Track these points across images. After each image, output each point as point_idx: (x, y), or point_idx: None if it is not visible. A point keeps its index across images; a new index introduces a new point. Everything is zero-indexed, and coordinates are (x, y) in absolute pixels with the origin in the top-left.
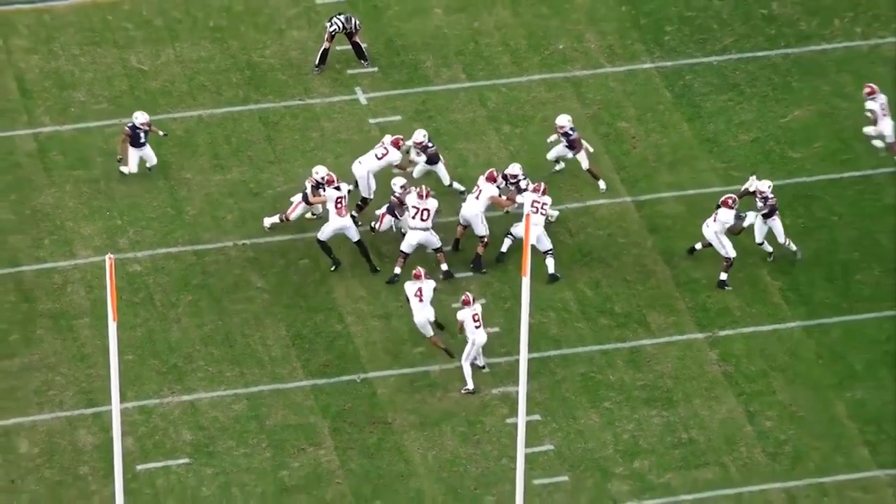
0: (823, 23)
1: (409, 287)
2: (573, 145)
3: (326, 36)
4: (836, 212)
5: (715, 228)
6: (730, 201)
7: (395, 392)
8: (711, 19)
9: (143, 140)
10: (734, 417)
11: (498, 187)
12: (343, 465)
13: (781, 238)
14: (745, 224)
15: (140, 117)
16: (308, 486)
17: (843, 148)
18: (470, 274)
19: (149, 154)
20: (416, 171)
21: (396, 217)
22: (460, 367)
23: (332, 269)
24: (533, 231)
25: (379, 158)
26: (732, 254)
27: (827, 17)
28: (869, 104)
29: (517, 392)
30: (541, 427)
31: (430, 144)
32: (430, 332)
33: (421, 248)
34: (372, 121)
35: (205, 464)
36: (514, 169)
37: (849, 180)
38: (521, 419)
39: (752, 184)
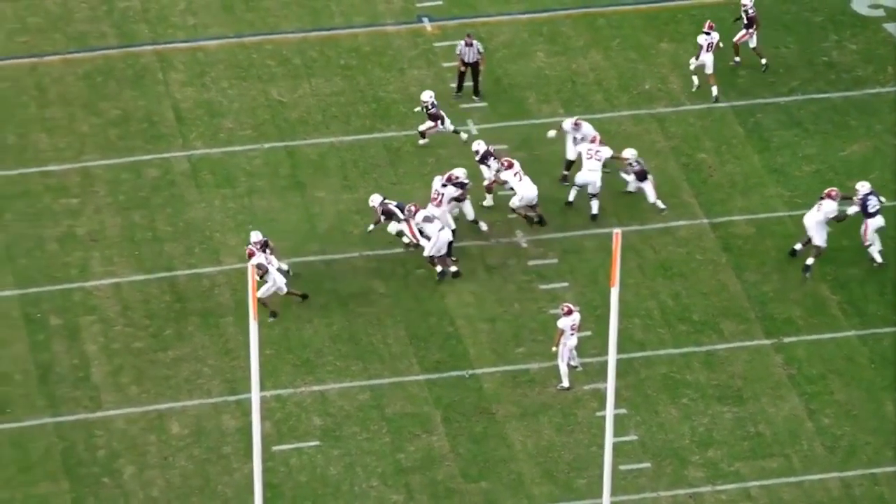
0: (878, 69)
1: None
2: (640, 176)
3: (459, 62)
4: (888, 234)
5: (817, 218)
6: (833, 193)
7: (499, 387)
8: (779, 65)
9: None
10: (796, 414)
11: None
12: (453, 449)
13: (867, 239)
14: (850, 211)
15: (255, 236)
16: (422, 468)
17: (895, 178)
18: (566, 284)
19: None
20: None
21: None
22: (556, 366)
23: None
24: (592, 175)
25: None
26: (824, 245)
27: (881, 64)
28: (701, 38)
29: (606, 388)
30: (626, 420)
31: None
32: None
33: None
34: None
35: (332, 446)
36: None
37: None
38: (610, 412)
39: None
